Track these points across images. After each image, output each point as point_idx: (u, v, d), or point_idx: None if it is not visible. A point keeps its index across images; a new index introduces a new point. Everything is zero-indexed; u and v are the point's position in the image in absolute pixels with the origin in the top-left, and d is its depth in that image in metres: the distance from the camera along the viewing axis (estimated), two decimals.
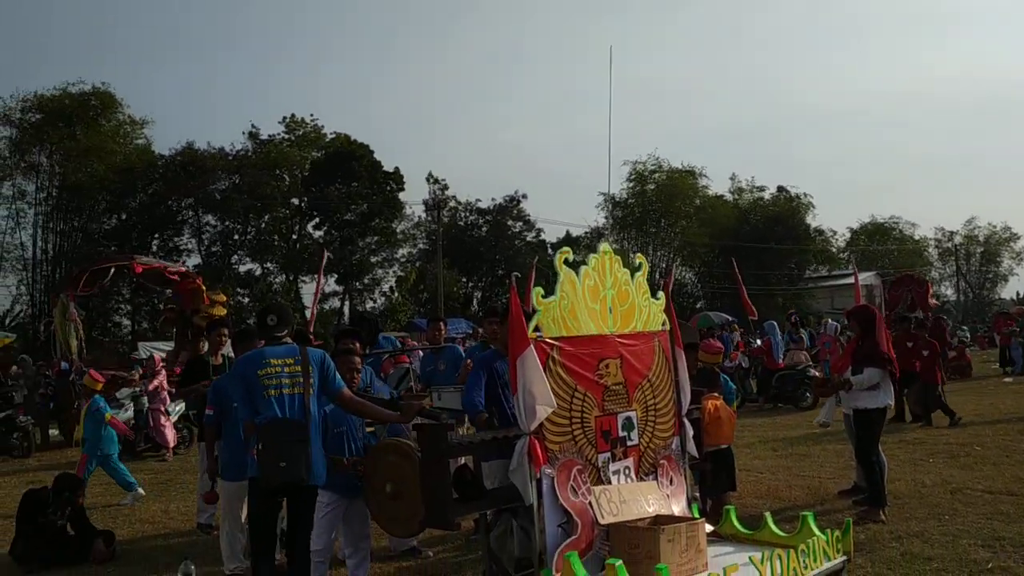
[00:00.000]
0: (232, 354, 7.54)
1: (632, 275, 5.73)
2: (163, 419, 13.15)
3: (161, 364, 14.01)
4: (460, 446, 5.05)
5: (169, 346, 20.61)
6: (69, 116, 37.89)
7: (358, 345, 6.49)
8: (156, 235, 42.00)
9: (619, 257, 5.60)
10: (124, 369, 16.43)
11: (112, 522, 8.26)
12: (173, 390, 14.73)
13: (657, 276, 40.58)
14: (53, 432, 15.90)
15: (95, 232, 40.21)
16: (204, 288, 17.25)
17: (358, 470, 5.23)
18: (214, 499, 6.82)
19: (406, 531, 5.49)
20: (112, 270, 17.40)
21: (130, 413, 12.88)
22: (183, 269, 17.83)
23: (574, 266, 5.34)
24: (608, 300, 5.56)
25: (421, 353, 9.19)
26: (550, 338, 5.16)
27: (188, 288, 16.91)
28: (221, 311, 16.60)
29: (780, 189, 55.64)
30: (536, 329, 5.10)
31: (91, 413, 9.85)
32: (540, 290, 5.13)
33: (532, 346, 4.95)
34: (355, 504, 5.38)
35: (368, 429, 5.63)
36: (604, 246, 5.61)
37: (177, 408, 13.71)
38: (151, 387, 13.31)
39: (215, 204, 41.63)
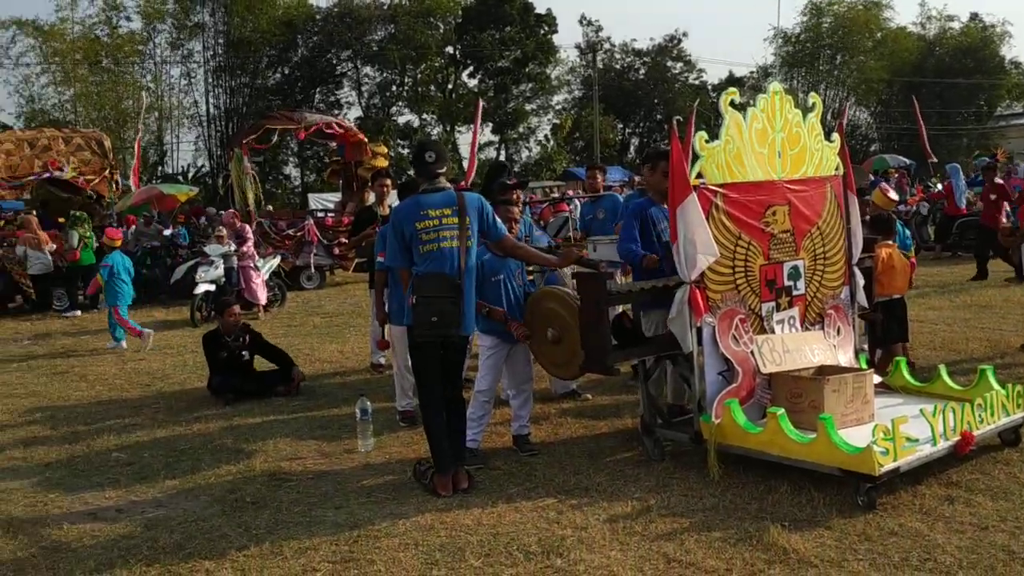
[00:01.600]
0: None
1: (804, 116, 5.39)
2: (254, 276, 12.84)
3: (243, 226, 13.49)
4: (619, 294, 5.05)
5: (336, 197, 21.51)
6: None
7: (518, 195, 6.50)
8: (318, 88, 43.10)
9: (790, 97, 5.25)
10: (298, 219, 17.24)
11: (294, 360, 8.91)
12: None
13: (828, 117, 38.18)
14: None
15: (261, 87, 41.68)
16: (366, 140, 17.70)
17: (511, 327, 5.33)
18: (385, 346, 7.21)
19: (567, 374, 5.65)
20: (277, 131, 17.91)
21: (220, 271, 12.50)
22: (345, 124, 18.21)
23: (740, 108, 5.06)
24: (777, 144, 5.28)
25: (579, 202, 9.14)
26: (713, 185, 4.99)
27: (351, 141, 17.40)
28: (383, 162, 17.05)
29: (973, 16, 50.21)
30: (698, 176, 4.94)
31: (101, 269, 10.81)
32: (704, 134, 4.92)
33: (694, 193, 4.81)
34: (518, 347, 5.53)
35: (528, 277, 5.71)
36: (775, 85, 5.28)
37: (268, 265, 13.52)
38: (243, 248, 12.87)
39: (372, 56, 42.08)
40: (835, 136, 5.68)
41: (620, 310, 5.76)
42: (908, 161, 27.25)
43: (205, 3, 39.38)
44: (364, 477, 5.32)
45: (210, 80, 41.28)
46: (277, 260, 14.13)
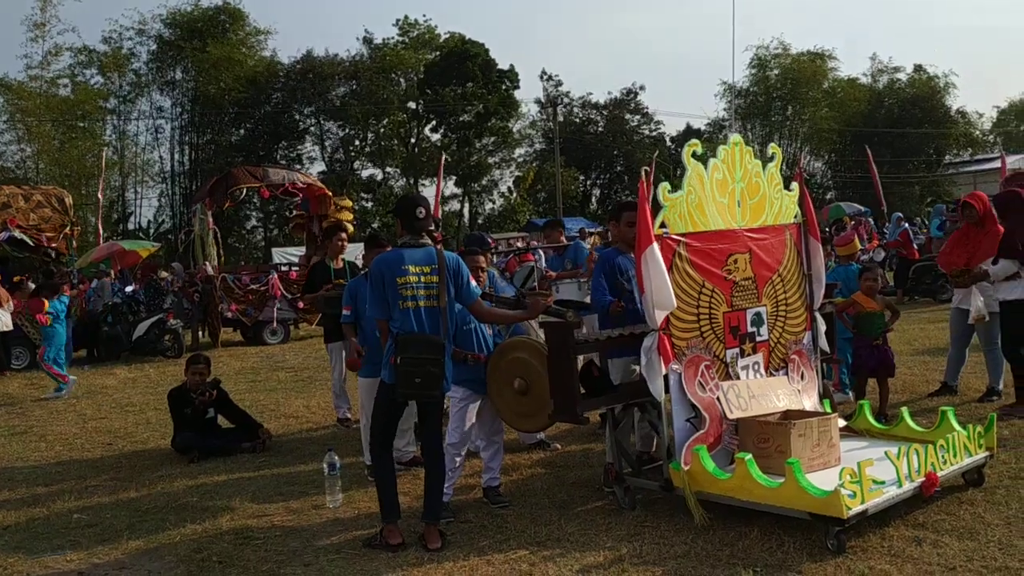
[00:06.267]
0: (352, 259, 7.71)
1: (764, 166, 5.54)
2: None
3: None
4: (587, 343, 5.09)
5: (301, 251, 21.46)
6: (201, 31, 39.12)
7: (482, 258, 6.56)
8: (281, 143, 43.26)
9: (750, 148, 5.41)
10: (262, 273, 17.12)
11: (260, 416, 8.78)
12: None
13: (784, 166, 38.99)
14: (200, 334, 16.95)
15: (224, 143, 41.75)
16: (330, 194, 17.74)
17: (476, 362, 5.38)
18: (356, 366, 6.93)
19: (534, 426, 5.63)
20: (244, 190, 17.74)
21: None
22: (308, 179, 18.20)
23: (702, 159, 5.19)
24: (736, 193, 5.41)
25: (542, 253, 9.32)
26: (676, 234, 5.09)
27: (315, 195, 17.42)
28: (347, 216, 17.07)
29: (917, 68, 52.05)
30: (662, 225, 5.03)
31: None
32: (667, 185, 5.03)
33: (655, 243, 4.89)
34: (488, 399, 5.53)
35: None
36: (735, 137, 5.43)
37: None
38: None
39: (335, 111, 42.42)
40: (794, 185, 5.84)
41: (584, 359, 5.79)
42: (864, 209, 27.92)
43: (179, 61, 39.61)
44: (333, 533, 5.24)
45: (175, 137, 41.36)
46: None
